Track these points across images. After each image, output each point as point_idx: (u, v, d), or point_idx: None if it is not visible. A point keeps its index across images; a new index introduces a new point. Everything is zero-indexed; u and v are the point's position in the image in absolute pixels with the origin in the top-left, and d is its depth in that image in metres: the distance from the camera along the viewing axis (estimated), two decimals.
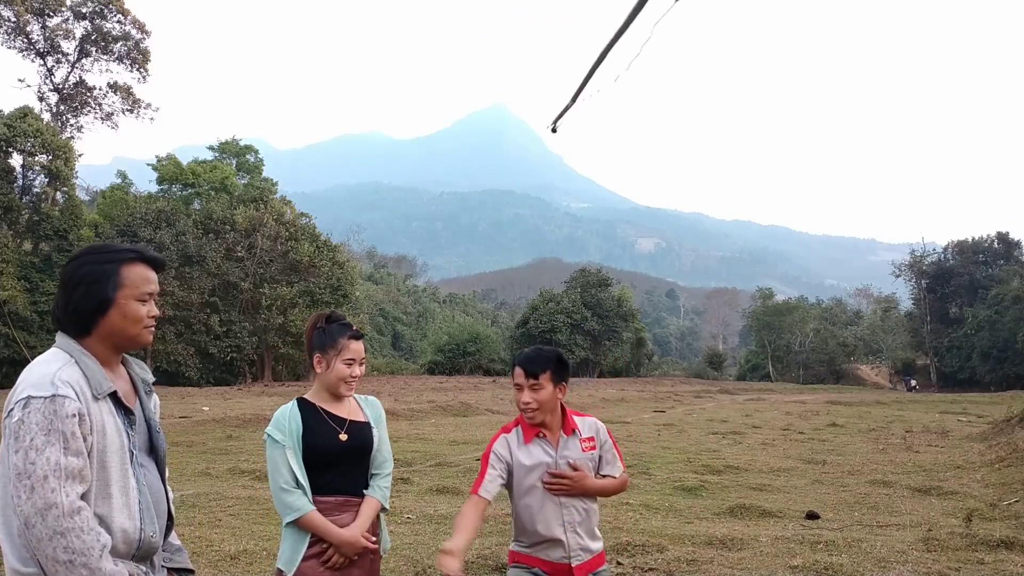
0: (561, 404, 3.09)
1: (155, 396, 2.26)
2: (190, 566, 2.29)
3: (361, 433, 2.96)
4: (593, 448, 3.09)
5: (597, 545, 3.08)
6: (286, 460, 2.82)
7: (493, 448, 3.05)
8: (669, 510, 8.05)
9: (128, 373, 2.16)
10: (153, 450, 2.16)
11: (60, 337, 2.03)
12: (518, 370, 3.00)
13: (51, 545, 1.80)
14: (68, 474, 1.83)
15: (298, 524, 2.79)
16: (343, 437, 2.90)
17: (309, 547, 2.81)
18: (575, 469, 2.99)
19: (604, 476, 3.14)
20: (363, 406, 3.06)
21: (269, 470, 2.89)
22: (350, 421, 2.95)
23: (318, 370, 2.97)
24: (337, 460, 2.88)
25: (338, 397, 2.98)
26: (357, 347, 2.97)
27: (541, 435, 3.05)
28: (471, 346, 51.62)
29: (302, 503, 2.80)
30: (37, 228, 33.82)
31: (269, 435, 2.89)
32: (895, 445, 14.31)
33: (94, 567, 1.82)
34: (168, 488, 2.22)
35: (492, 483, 2.99)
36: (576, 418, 3.13)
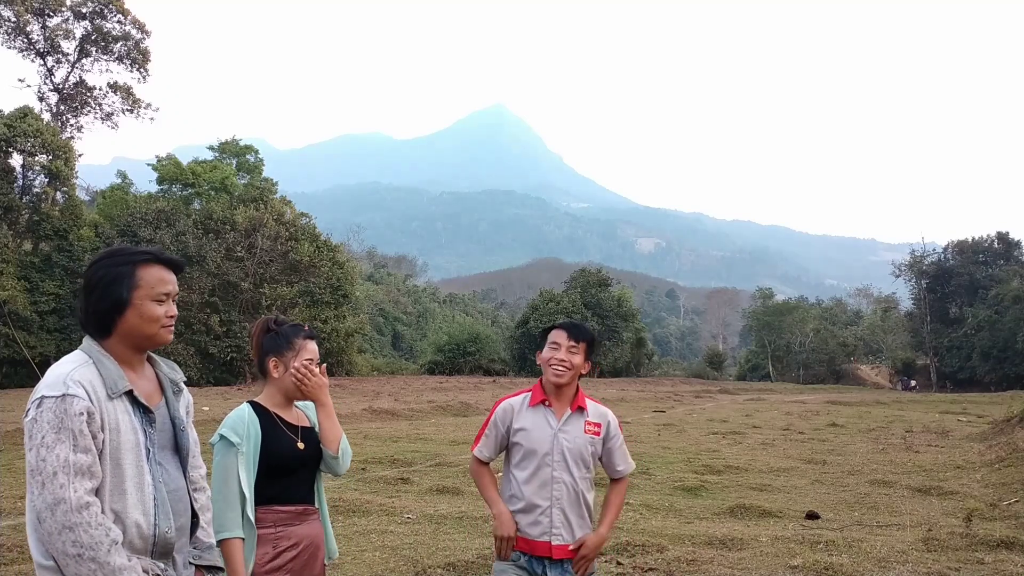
0: (577, 384, 3.19)
1: (187, 395, 2.28)
2: (220, 564, 2.32)
3: (313, 439, 2.88)
4: (597, 434, 3.12)
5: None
6: (236, 470, 2.65)
7: (494, 414, 3.17)
8: (669, 510, 8.05)
9: (156, 373, 2.22)
10: (178, 449, 2.18)
11: (85, 340, 2.11)
12: (562, 332, 3.14)
13: (60, 539, 1.85)
14: (77, 470, 1.89)
15: (219, 544, 2.54)
16: (301, 445, 2.83)
17: (270, 556, 2.68)
18: (580, 544, 3.01)
19: (617, 472, 3.20)
20: (305, 411, 2.99)
21: (215, 477, 2.65)
22: (302, 428, 2.88)
23: (275, 374, 2.86)
24: (295, 469, 2.81)
25: (291, 402, 2.91)
26: (313, 347, 2.89)
27: (547, 404, 3.11)
28: (471, 346, 51.47)
29: (234, 526, 2.60)
30: (37, 228, 33.75)
31: (224, 436, 2.70)
32: (895, 445, 14.32)
33: (102, 561, 1.86)
34: (191, 485, 2.21)
35: (486, 447, 3.17)
36: (589, 402, 3.18)
